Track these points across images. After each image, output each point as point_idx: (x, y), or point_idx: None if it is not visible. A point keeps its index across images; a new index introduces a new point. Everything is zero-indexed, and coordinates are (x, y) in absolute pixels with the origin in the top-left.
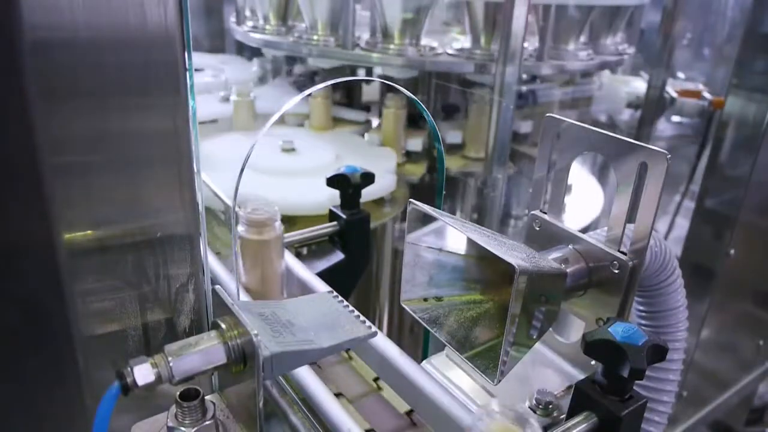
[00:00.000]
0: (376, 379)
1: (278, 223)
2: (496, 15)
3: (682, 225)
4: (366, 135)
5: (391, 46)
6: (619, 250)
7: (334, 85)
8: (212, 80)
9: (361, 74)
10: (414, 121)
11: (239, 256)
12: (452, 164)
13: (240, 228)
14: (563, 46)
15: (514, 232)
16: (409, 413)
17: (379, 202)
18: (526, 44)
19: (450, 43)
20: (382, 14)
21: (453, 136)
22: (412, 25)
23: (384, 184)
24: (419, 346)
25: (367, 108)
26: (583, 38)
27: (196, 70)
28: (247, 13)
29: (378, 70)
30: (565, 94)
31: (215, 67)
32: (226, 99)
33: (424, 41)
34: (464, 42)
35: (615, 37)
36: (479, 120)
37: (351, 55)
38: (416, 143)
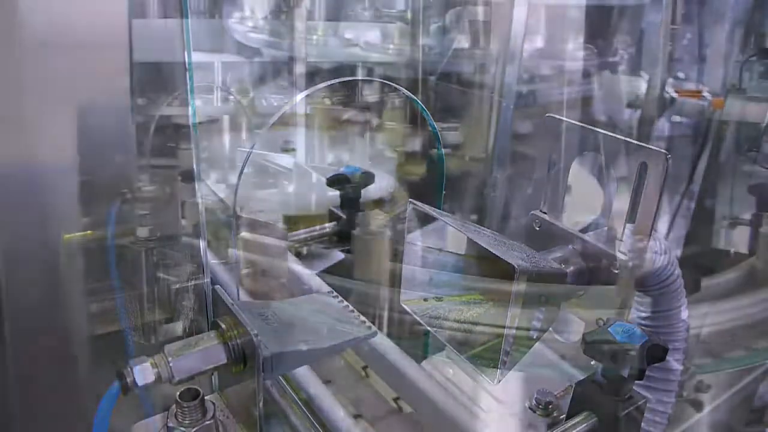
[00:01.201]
0: (396, 399)
1: None
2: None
3: (682, 225)
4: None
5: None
6: (619, 250)
7: None
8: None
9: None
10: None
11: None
12: None
13: None
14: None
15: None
16: None
17: (379, 201)
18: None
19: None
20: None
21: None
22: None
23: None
24: (419, 346)
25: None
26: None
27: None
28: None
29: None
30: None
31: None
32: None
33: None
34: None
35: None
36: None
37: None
38: None
